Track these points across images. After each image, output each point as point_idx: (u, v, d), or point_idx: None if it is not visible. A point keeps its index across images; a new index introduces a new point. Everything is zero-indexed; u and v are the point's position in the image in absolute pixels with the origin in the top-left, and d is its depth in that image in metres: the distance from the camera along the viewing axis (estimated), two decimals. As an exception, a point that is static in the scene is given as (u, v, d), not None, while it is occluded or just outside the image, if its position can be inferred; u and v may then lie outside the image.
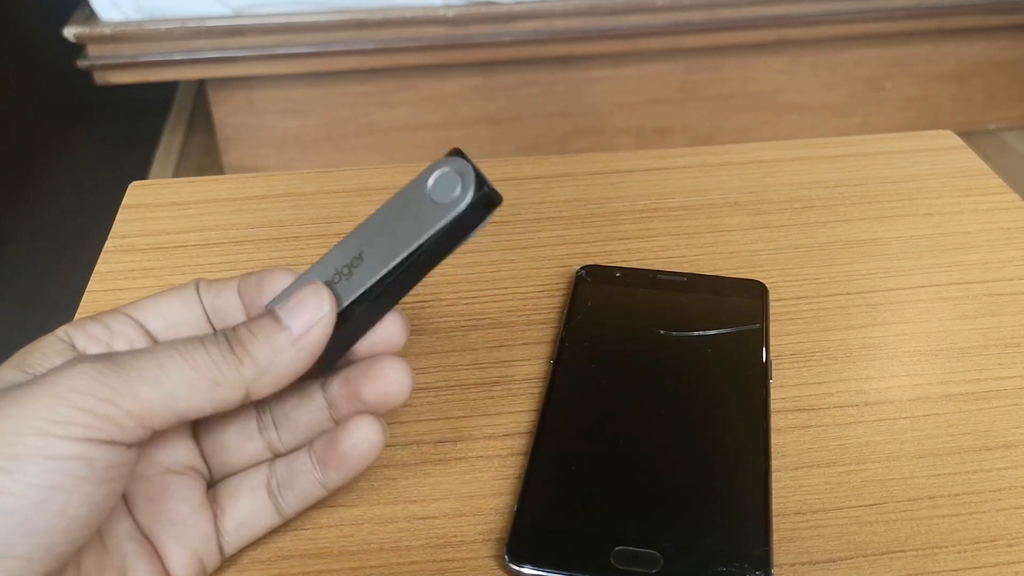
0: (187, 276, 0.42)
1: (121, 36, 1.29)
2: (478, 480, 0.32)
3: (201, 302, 0.29)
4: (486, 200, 0.27)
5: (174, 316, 0.28)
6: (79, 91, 1.62)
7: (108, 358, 0.23)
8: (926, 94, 1.61)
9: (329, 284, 0.27)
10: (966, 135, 0.53)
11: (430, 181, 0.27)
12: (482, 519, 0.30)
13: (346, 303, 0.27)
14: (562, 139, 1.54)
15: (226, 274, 0.42)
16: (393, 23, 1.32)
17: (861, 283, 0.41)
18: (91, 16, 1.29)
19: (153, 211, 0.46)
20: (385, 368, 0.27)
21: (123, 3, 1.28)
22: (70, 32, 1.28)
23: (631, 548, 0.28)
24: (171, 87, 1.84)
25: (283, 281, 0.28)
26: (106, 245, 0.44)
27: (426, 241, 0.26)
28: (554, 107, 1.51)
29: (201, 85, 1.49)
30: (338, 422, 0.28)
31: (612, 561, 0.28)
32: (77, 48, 1.31)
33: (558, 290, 0.41)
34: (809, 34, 1.45)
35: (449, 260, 0.44)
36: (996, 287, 0.41)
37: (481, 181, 0.27)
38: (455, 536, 0.30)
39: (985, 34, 1.54)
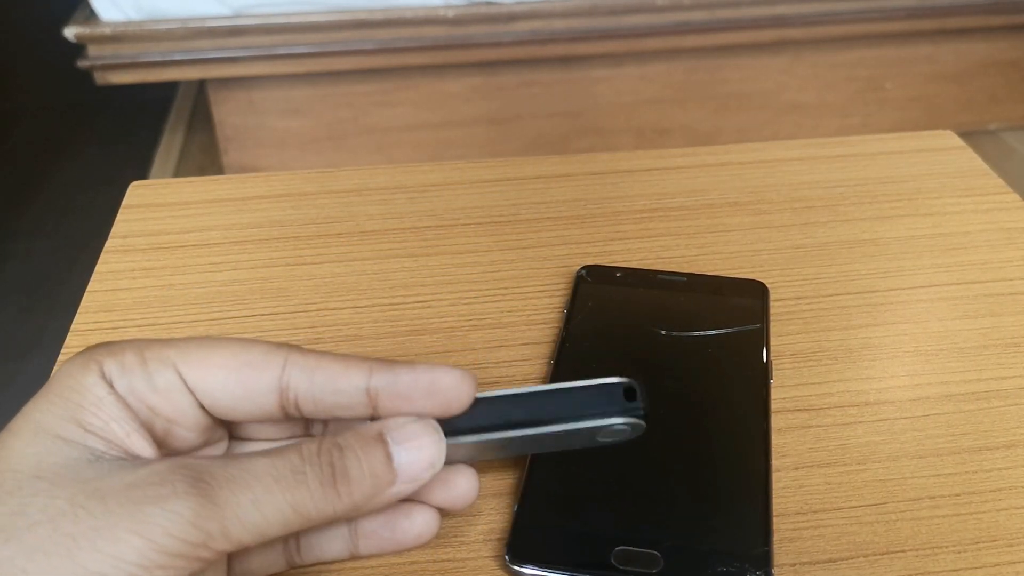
0: (187, 276, 0.42)
1: (121, 36, 1.30)
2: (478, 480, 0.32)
3: (281, 379, 0.25)
4: (640, 415, 0.27)
5: (227, 394, 0.25)
6: (79, 91, 1.62)
7: (205, 493, 0.21)
8: (926, 94, 1.61)
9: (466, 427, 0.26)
10: (966, 135, 0.53)
11: (604, 424, 0.26)
12: (482, 519, 0.30)
13: (461, 439, 0.26)
14: (562, 139, 1.54)
15: (226, 274, 0.42)
16: (393, 23, 1.33)
17: (861, 283, 0.41)
18: (91, 16, 1.29)
19: (153, 211, 0.46)
20: (459, 478, 0.27)
21: (123, 3, 1.28)
22: (70, 32, 1.28)
23: (631, 548, 0.28)
24: (171, 87, 1.85)
25: (448, 385, 0.25)
26: (106, 245, 0.44)
27: (568, 432, 0.26)
28: (554, 107, 1.51)
29: (201, 85, 1.49)
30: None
31: (612, 561, 0.28)
32: (77, 48, 1.31)
33: (558, 290, 0.41)
34: (809, 34, 1.45)
35: (449, 260, 0.44)
36: (996, 287, 0.41)
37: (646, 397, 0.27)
38: (455, 536, 0.30)
39: (985, 34, 1.54)
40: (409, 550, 0.27)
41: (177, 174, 1.63)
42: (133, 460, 0.23)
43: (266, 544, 0.27)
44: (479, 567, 0.29)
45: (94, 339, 0.38)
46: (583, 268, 0.41)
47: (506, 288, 0.41)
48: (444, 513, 0.28)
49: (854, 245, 0.44)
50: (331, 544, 0.27)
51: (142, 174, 1.62)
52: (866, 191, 0.47)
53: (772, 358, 0.37)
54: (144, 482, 0.21)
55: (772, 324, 0.38)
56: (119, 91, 1.38)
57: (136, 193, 0.48)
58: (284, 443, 0.27)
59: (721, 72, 1.52)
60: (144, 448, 0.24)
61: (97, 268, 0.42)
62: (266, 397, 0.25)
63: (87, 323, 0.39)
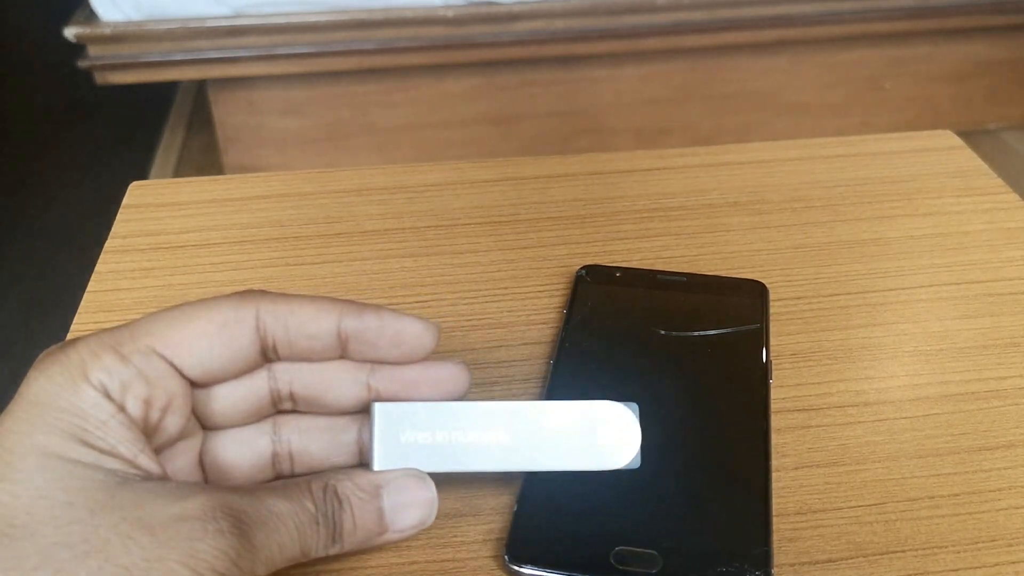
0: (187, 276, 0.42)
1: (121, 36, 1.29)
2: (478, 480, 0.32)
3: (258, 328, 0.26)
4: (635, 463, 0.28)
5: (213, 358, 0.26)
6: (79, 91, 1.62)
7: (245, 534, 0.23)
8: (926, 94, 1.61)
9: (450, 439, 0.28)
10: (966, 135, 0.53)
11: (597, 416, 0.28)
12: (482, 519, 0.30)
13: (469, 468, 0.28)
14: (562, 139, 1.54)
15: (226, 274, 0.42)
16: (393, 23, 1.33)
17: (861, 283, 0.41)
18: (91, 16, 1.29)
19: (153, 211, 0.46)
20: (447, 370, 0.28)
21: (123, 3, 1.28)
22: (70, 32, 1.28)
23: (631, 548, 0.28)
24: (171, 87, 1.85)
25: (412, 334, 0.27)
26: (106, 245, 0.44)
27: (575, 472, 0.28)
28: (554, 107, 1.51)
29: (201, 85, 1.49)
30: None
31: (612, 561, 0.28)
32: (77, 48, 1.31)
33: (558, 290, 0.41)
34: (809, 34, 1.45)
35: (448, 260, 0.44)
36: (996, 287, 0.41)
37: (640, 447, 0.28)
38: (455, 536, 0.30)
39: (985, 34, 1.54)
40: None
41: (177, 174, 1.63)
42: (161, 483, 0.23)
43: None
44: (479, 567, 0.29)
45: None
46: (583, 268, 0.41)
47: (506, 288, 0.41)
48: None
49: (854, 245, 0.44)
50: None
51: (142, 174, 1.62)
52: (866, 191, 0.47)
53: (772, 358, 0.37)
54: (191, 517, 0.22)
55: (772, 324, 0.38)
56: (119, 91, 1.38)
57: (136, 193, 0.48)
58: (254, 428, 0.28)
59: (721, 72, 1.52)
60: (152, 465, 0.24)
61: (97, 268, 0.42)
62: (248, 349, 0.26)
63: (87, 323, 0.39)
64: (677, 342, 0.36)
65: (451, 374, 0.29)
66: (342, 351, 0.27)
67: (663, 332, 0.37)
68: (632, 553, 0.28)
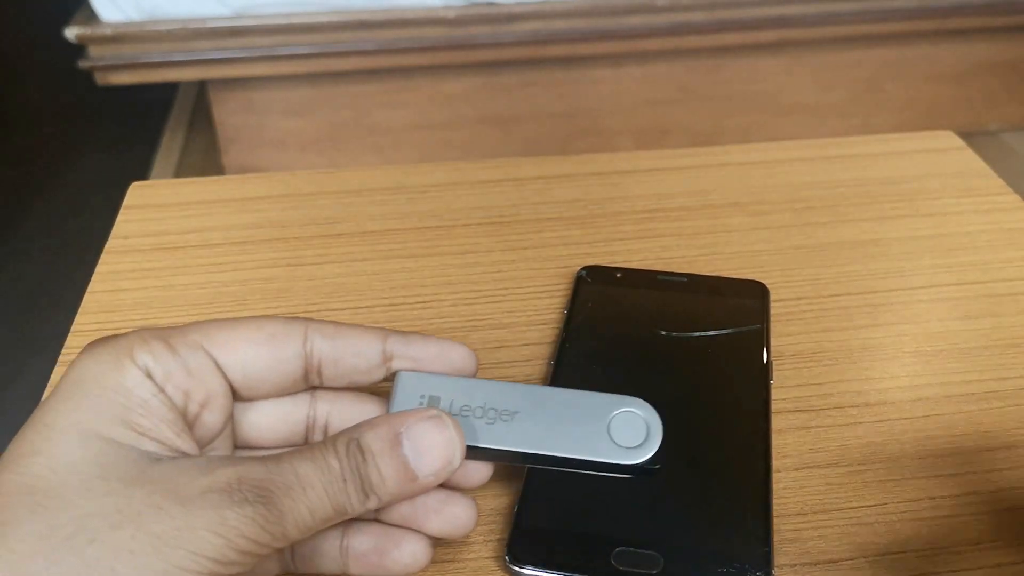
0: (188, 277, 0.42)
1: (122, 37, 1.29)
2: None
3: (304, 345, 0.27)
4: (654, 462, 0.27)
5: (258, 365, 0.27)
6: (80, 92, 1.62)
7: (271, 501, 0.23)
8: (926, 95, 1.61)
9: (469, 412, 0.27)
10: (966, 136, 0.53)
11: (615, 412, 0.28)
12: (482, 519, 0.30)
13: (477, 444, 0.27)
14: (563, 140, 1.54)
15: (227, 275, 0.42)
16: (394, 24, 1.32)
17: (862, 283, 0.41)
18: (92, 17, 1.29)
19: (154, 211, 0.46)
20: (456, 508, 0.27)
21: (124, 4, 1.28)
22: (71, 33, 1.28)
23: (631, 549, 0.28)
24: (172, 88, 1.85)
25: (456, 357, 0.29)
26: (107, 245, 0.44)
27: (580, 462, 0.27)
28: (555, 108, 1.51)
29: (202, 86, 1.49)
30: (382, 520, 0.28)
31: (612, 562, 0.28)
32: (78, 49, 1.31)
33: (559, 291, 0.41)
34: (809, 35, 1.45)
35: (449, 261, 0.44)
36: (996, 287, 0.41)
37: (662, 447, 0.27)
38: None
39: (985, 35, 1.54)
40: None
41: (178, 175, 1.63)
42: (191, 458, 0.24)
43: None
44: (479, 568, 0.29)
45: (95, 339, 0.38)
46: (583, 269, 0.41)
47: (507, 289, 0.41)
48: (439, 542, 0.28)
49: (854, 246, 0.44)
50: (323, 560, 0.27)
51: (143, 175, 1.62)
52: (866, 192, 0.47)
53: (772, 358, 0.37)
54: (218, 488, 0.23)
55: (772, 324, 0.38)
56: (120, 92, 1.38)
57: (137, 193, 0.48)
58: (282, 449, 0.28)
59: (721, 73, 1.51)
60: (191, 446, 0.25)
61: (98, 268, 0.42)
62: (292, 365, 0.27)
63: (88, 323, 0.39)
64: (678, 343, 0.36)
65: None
66: (386, 370, 0.28)
67: (664, 333, 0.37)
68: (632, 554, 0.28)
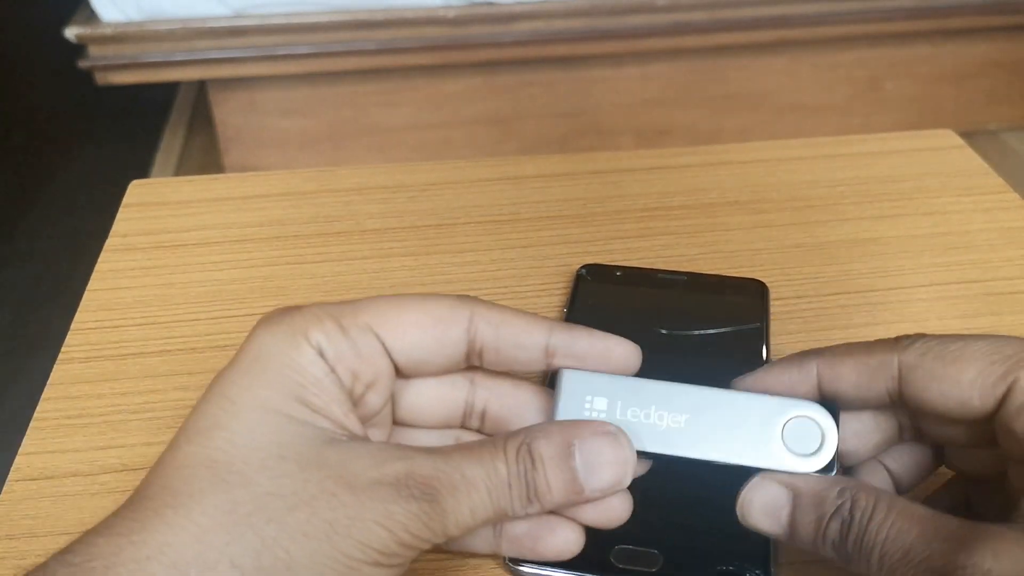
0: (188, 275, 0.42)
1: (122, 37, 1.29)
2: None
3: (469, 330, 0.27)
4: (829, 469, 0.26)
5: (423, 348, 0.27)
6: (80, 92, 1.62)
7: (436, 499, 0.23)
8: (926, 94, 1.61)
9: (636, 416, 0.27)
10: (966, 135, 0.53)
11: (789, 417, 0.26)
12: (482, 517, 0.30)
13: (644, 449, 0.26)
14: (563, 139, 1.54)
15: (227, 273, 0.42)
16: (394, 23, 1.33)
17: (861, 282, 0.41)
18: (92, 17, 1.29)
19: (153, 210, 0.46)
20: (614, 498, 0.27)
21: (124, 4, 1.28)
22: (71, 33, 1.28)
23: (631, 547, 0.28)
24: (172, 87, 1.84)
25: (620, 353, 0.28)
26: (107, 244, 0.44)
27: (753, 470, 0.26)
28: (555, 107, 1.51)
29: (202, 85, 1.49)
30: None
31: (612, 560, 0.28)
32: (78, 49, 1.31)
33: (559, 289, 0.41)
34: (809, 34, 1.45)
35: (449, 259, 0.44)
36: (996, 286, 0.41)
37: (837, 453, 0.26)
38: (455, 534, 0.30)
39: (985, 34, 1.54)
40: (550, 562, 0.28)
41: (178, 174, 1.63)
42: (363, 444, 0.24)
43: None
44: (479, 566, 0.29)
45: (94, 338, 0.38)
46: (583, 267, 0.41)
47: (506, 287, 0.41)
48: (593, 528, 0.28)
49: (854, 244, 0.44)
50: (476, 540, 0.28)
51: (143, 175, 1.61)
52: (866, 190, 0.47)
53: (772, 357, 0.37)
54: (388, 482, 0.23)
55: (772, 323, 0.38)
56: (120, 91, 1.38)
57: (136, 192, 0.48)
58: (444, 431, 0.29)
59: (721, 72, 1.52)
60: (356, 425, 0.25)
61: (97, 267, 0.42)
62: (456, 348, 0.27)
63: (87, 321, 0.39)
64: (678, 341, 0.36)
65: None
66: (548, 364, 0.28)
67: (664, 331, 0.37)
68: (632, 552, 0.28)
